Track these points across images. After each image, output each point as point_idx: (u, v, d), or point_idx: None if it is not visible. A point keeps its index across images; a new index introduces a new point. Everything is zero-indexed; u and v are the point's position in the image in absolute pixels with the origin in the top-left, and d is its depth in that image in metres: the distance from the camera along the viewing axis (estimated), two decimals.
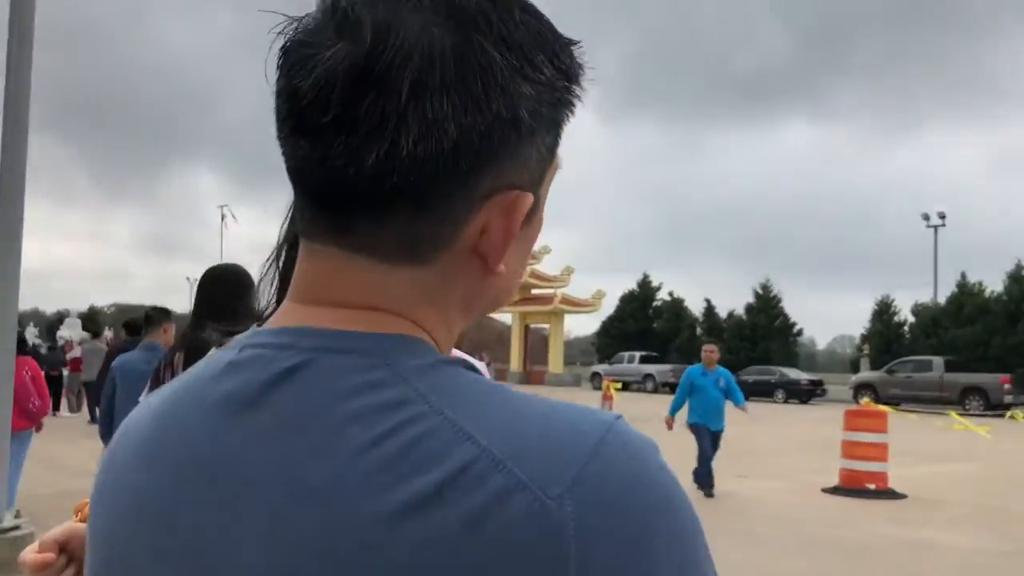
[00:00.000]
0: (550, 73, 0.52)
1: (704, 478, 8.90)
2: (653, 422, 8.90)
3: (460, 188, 0.51)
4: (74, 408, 17.51)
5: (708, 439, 8.97)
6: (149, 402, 0.60)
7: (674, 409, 9.39)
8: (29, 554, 0.92)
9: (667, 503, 0.48)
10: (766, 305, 40.13)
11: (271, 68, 0.53)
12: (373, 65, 0.48)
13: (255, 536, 0.49)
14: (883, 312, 37.03)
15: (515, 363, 40.26)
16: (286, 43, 0.52)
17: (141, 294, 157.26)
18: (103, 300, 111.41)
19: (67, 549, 0.92)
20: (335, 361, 0.51)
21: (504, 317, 41.88)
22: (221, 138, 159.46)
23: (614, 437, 0.48)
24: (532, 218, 0.56)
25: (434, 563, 0.44)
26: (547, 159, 0.55)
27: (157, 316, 5.16)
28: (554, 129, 0.55)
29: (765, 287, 40.69)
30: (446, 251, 0.53)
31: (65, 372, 17.57)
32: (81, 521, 0.88)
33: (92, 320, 41.22)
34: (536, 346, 41.18)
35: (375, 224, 0.52)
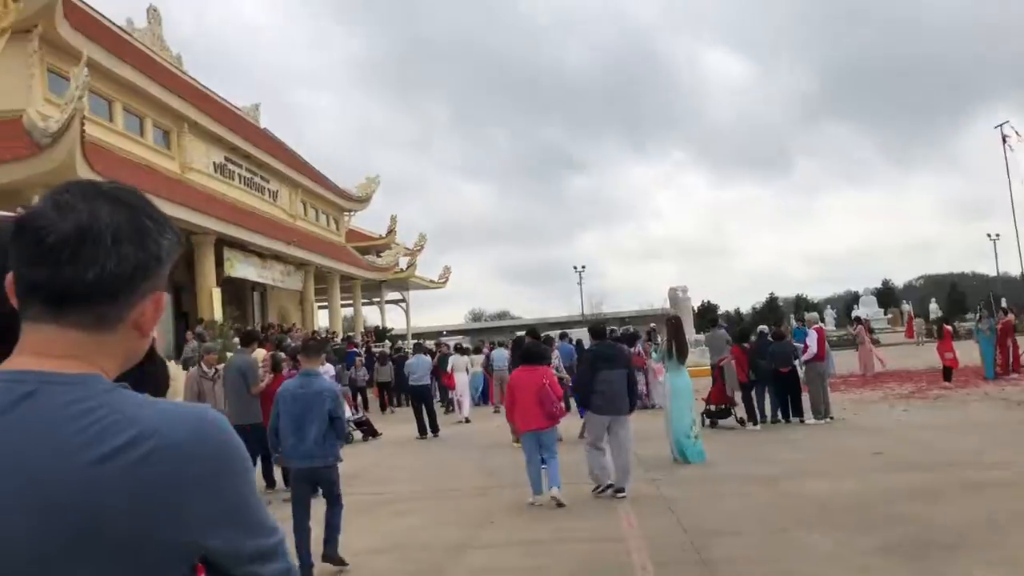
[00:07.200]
0: (171, 234, 1.04)
1: None
2: None
3: (134, 290, 1.00)
4: None
5: None
6: None
7: None
8: None
9: (225, 452, 0.99)
10: None
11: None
12: (88, 229, 0.96)
13: (16, 490, 0.89)
14: None
15: None
16: (22, 222, 0.97)
17: (948, 263, 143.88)
18: (908, 275, 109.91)
19: None
20: (54, 388, 0.94)
21: None
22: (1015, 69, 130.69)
23: (207, 421, 0.99)
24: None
25: (121, 483, 0.90)
26: (166, 275, 1.05)
27: (316, 347, 6.45)
28: (173, 259, 1.05)
29: None
30: (121, 324, 1.00)
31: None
32: None
33: None
34: None
35: (83, 310, 0.97)
